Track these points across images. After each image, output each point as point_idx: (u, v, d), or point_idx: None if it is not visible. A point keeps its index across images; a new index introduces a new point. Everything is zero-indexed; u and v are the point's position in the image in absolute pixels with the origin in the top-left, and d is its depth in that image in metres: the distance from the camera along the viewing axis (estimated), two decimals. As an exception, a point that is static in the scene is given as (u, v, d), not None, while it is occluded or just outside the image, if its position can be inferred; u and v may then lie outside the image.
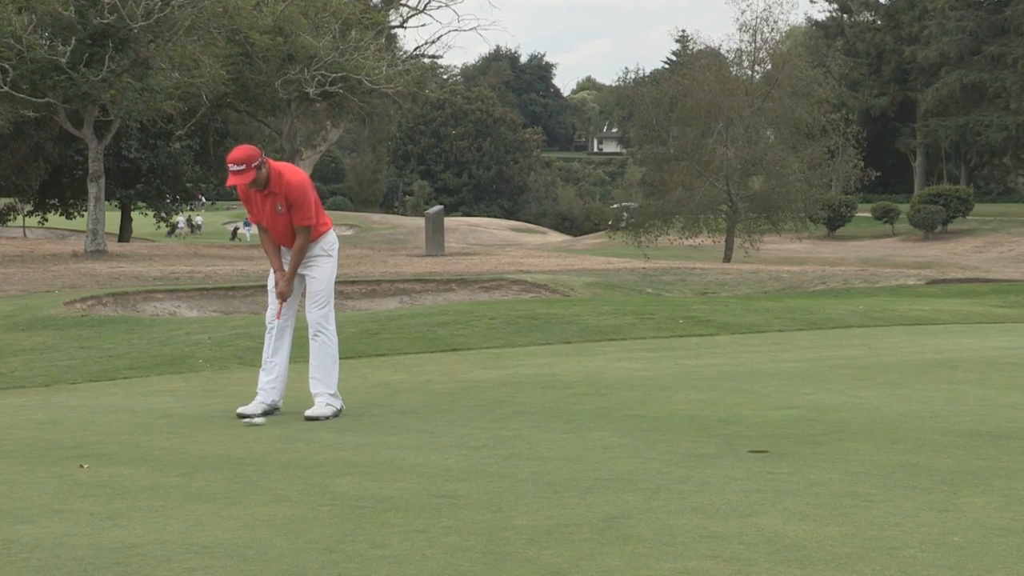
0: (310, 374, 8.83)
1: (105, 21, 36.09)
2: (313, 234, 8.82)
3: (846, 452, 7.07)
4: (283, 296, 8.87)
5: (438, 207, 50.75)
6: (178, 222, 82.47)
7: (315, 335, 8.83)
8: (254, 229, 70.44)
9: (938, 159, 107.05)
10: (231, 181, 8.56)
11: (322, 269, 8.89)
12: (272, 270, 9.04)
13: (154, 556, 4.88)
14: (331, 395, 8.74)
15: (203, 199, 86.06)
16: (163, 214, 63.73)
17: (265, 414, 8.71)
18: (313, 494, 6.04)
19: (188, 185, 61.96)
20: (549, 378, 10.75)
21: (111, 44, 36.25)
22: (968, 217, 74.19)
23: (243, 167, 8.53)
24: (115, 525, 5.44)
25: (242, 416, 8.63)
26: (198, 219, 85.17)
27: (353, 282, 26.46)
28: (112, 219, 55.64)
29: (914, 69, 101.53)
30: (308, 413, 8.62)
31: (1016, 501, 5.76)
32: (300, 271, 8.89)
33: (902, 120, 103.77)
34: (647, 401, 9.14)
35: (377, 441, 7.63)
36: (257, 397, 8.85)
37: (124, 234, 60.89)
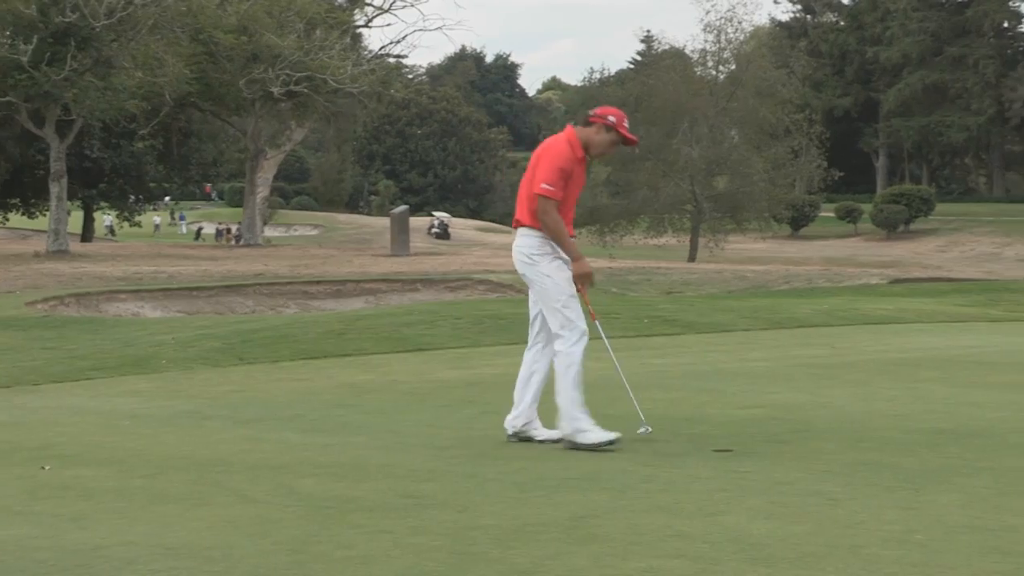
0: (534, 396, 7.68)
1: (67, 20, 35.89)
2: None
3: (811, 451, 7.10)
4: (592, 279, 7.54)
5: (403, 207, 50.72)
6: (155, 221, 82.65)
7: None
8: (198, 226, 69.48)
9: (900, 159, 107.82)
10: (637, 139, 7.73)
11: None
12: (566, 260, 7.44)
13: (119, 558, 4.85)
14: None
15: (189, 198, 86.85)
16: (126, 214, 63.35)
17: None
18: (279, 495, 6.02)
19: (152, 185, 61.64)
20: (516, 378, 10.72)
21: (73, 43, 36.06)
22: (930, 217, 74.76)
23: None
24: (79, 527, 5.41)
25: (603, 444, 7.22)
26: (156, 219, 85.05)
27: (319, 282, 26.37)
28: (75, 219, 55.29)
29: (877, 70, 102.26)
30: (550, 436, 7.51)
31: (978, 499, 5.80)
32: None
33: (865, 120, 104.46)
34: (614, 401, 9.15)
35: (343, 441, 7.61)
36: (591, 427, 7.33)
37: (86, 234, 60.53)
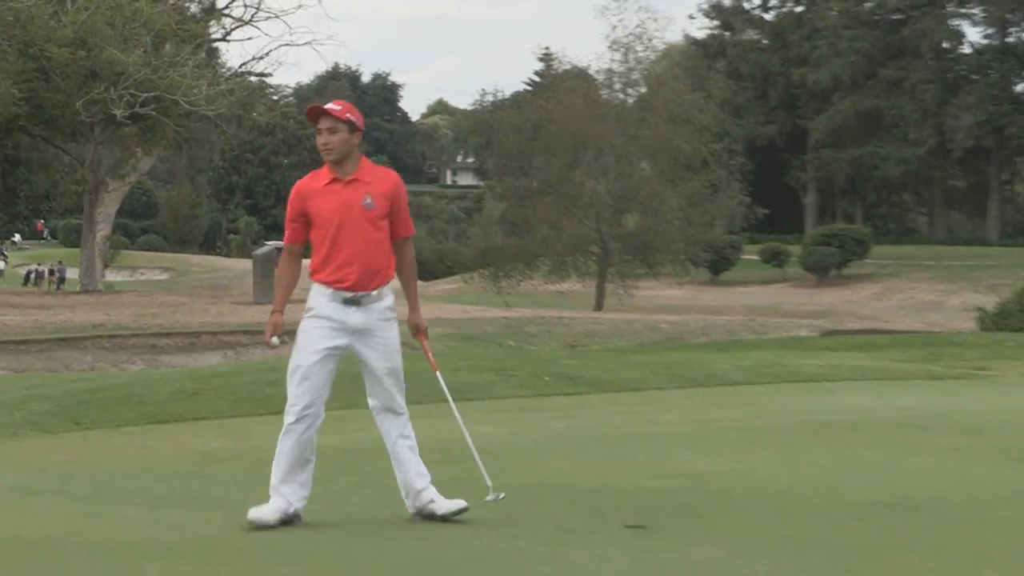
0: (416, 471, 7.58)
1: None
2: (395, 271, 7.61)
3: (731, 525, 7.17)
4: (278, 327, 7.65)
5: (268, 247, 50.45)
6: None
7: (406, 435, 7.70)
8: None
9: (832, 195, 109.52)
10: (327, 107, 7.68)
11: (394, 333, 7.60)
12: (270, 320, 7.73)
13: (-69, 657, 4.76)
14: None
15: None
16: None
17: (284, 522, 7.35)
18: (120, 582, 5.94)
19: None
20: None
21: None
22: (865, 260, 75.97)
23: (340, 107, 7.69)
24: None
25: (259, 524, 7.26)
26: None
27: (168, 334, 26.09)
28: None
29: (804, 94, 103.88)
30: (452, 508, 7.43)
31: (917, 578, 5.90)
32: (358, 343, 7.49)
33: (792, 151, 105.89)
34: (508, 469, 9.17)
35: (195, 518, 7.53)
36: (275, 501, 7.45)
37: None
